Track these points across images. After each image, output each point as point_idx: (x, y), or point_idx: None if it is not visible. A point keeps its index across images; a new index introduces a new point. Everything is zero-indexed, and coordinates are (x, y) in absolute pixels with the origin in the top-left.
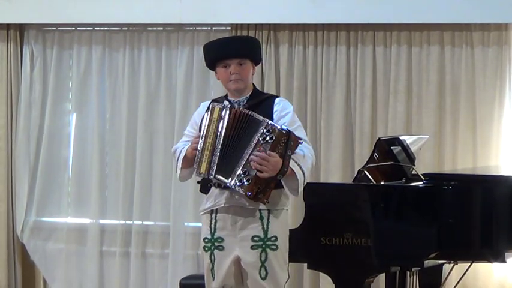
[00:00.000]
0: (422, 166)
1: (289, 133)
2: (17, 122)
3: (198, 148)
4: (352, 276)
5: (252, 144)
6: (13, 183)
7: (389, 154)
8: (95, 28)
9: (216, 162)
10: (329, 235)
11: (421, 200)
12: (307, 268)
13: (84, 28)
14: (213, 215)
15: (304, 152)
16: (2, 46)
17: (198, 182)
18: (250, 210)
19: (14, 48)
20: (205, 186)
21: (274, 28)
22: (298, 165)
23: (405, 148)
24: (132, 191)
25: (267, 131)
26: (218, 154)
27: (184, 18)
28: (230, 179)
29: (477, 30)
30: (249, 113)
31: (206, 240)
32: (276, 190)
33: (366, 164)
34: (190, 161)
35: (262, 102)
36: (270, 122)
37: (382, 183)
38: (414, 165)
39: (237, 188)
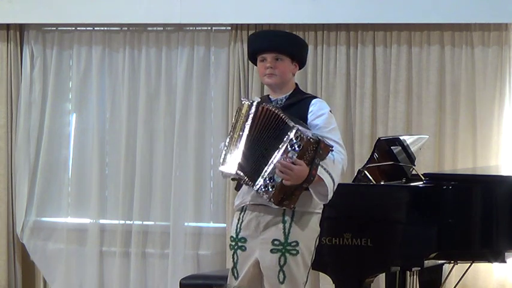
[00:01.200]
0: (422, 166)
1: (318, 142)
2: (17, 122)
3: (226, 143)
4: (352, 276)
5: (281, 150)
6: (13, 183)
7: (389, 154)
8: (95, 28)
9: (239, 158)
10: (329, 235)
11: (421, 200)
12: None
13: (84, 28)
14: (242, 214)
15: (335, 157)
16: (2, 46)
17: (232, 180)
18: (276, 211)
19: (14, 48)
20: (238, 184)
21: (274, 28)
22: (327, 171)
23: (405, 148)
24: (132, 191)
25: (295, 138)
26: (242, 150)
27: (184, 18)
28: (256, 181)
29: (477, 30)
30: (277, 111)
31: (232, 239)
32: (307, 192)
33: (366, 164)
34: None
35: (299, 102)
36: (300, 128)
37: (382, 183)
38: (414, 165)
39: (261, 193)
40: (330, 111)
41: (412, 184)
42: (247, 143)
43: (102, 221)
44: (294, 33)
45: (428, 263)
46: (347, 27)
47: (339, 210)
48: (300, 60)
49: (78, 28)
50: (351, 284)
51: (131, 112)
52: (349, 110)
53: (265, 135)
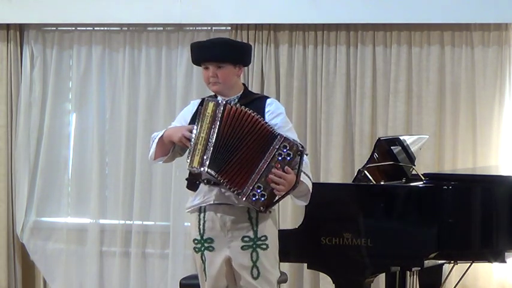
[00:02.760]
0: (422, 166)
1: (303, 149)
2: (17, 122)
3: (191, 142)
4: (352, 276)
5: (269, 159)
6: (13, 183)
7: (389, 154)
8: (95, 28)
9: (210, 157)
10: (329, 235)
11: (421, 200)
12: (307, 268)
13: (84, 28)
14: (201, 215)
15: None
16: (2, 46)
17: (186, 179)
18: (240, 209)
19: (14, 48)
20: (193, 183)
21: (274, 28)
22: (306, 174)
23: (405, 148)
24: (132, 191)
25: (283, 147)
26: (212, 150)
27: (184, 18)
28: (242, 189)
29: (477, 30)
30: (250, 111)
31: (196, 242)
32: None
33: (366, 164)
34: (166, 146)
35: (253, 102)
36: (285, 136)
37: (382, 183)
38: (414, 165)
39: (250, 202)
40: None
41: (412, 184)
42: (219, 144)
43: (102, 221)
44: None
45: (428, 263)
46: (347, 27)
47: (339, 210)
48: (242, 62)
49: (78, 28)
50: (350, 284)
51: (131, 112)
52: (349, 110)
53: (240, 136)
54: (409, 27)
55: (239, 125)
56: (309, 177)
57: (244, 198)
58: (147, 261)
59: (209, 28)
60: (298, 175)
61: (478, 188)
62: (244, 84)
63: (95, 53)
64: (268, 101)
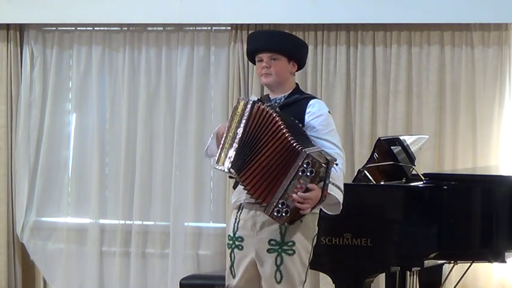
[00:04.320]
0: (422, 166)
1: (327, 163)
2: (17, 122)
3: (221, 141)
4: (352, 276)
5: (291, 176)
6: (13, 183)
7: (389, 154)
8: (95, 28)
9: (232, 156)
10: (329, 235)
11: (421, 200)
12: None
13: (84, 28)
14: (238, 213)
15: (338, 167)
16: (2, 46)
17: (229, 177)
18: None
19: (14, 48)
20: (235, 182)
21: (274, 28)
22: (336, 185)
23: (405, 148)
24: (132, 191)
25: (306, 164)
26: (235, 149)
27: (184, 18)
28: (268, 202)
29: (477, 30)
30: (272, 113)
31: (229, 238)
32: None
33: (366, 164)
34: (218, 142)
35: (297, 102)
36: (309, 152)
37: (382, 183)
38: (414, 165)
39: (274, 218)
40: (329, 112)
41: (412, 184)
42: (242, 143)
43: (102, 221)
44: (294, 33)
45: (428, 263)
46: (347, 27)
47: None
48: (297, 59)
49: (78, 28)
50: (351, 284)
51: (131, 112)
52: (349, 110)
53: (262, 138)
54: (409, 27)
55: (262, 126)
56: (339, 187)
57: (268, 213)
58: (147, 261)
59: (209, 28)
60: (324, 188)
61: (478, 188)
62: (297, 84)
63: (95, 53)
64: (311, 101)
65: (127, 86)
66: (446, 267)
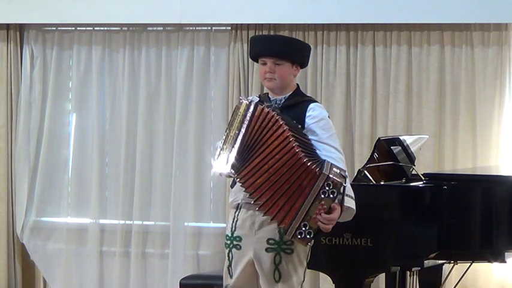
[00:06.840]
0: (422, 166)
1: (345, 180)
2: (17, 122)
3: (221, 141)
4: (352, 276)
5: (312, 197)
6: (13, 183)
7: (389, 154)
8: (95, 28)
9: (233, 158)
10: (329, 235)
11: (421, 200)
12: (307, 268)
13: (84, 28)
14: (236, 213)
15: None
16: (2, 46)
17: (229, 177)
18: None
19: (14, 48)
20: (232, 181)
21: (274, 28)
22: (350, 196)
23: (405, 148)
24: (132, 191)
25: (328, 186)
26: (236, 150)
27: (184, 18)
28: (289, 223)
29: (477, 30)
30: (275, 115)
31: (227, 237)
32: None
33: (366, 164)
34: None
35: (297, 105)
36: (329, 175)
37: (382, 183)
38: (414, 165)
39: (296, 240)
40: (328, 116)
41: (412, 184)
42: (242, 143)
43: (102, 221)
44: (294, 33)
45: (428, 263)
46: (347, 27)
47: None
48: (300, 62)
49: (78, 28)
50: (351, 284)
51: (131, 112)
52: (349, 110)
53: (261, 136)
54: (409, 27)
55: (264, 128)
56: (352, 197)
57: (289, 236)
58: (147, 261)
59: (209, 28)
60: (342, 204)
61: (478, 188)
62: (297, 85)
63: (95, 53)
64: (311, 105)
65: (127, 86)
66: (446, 267)
